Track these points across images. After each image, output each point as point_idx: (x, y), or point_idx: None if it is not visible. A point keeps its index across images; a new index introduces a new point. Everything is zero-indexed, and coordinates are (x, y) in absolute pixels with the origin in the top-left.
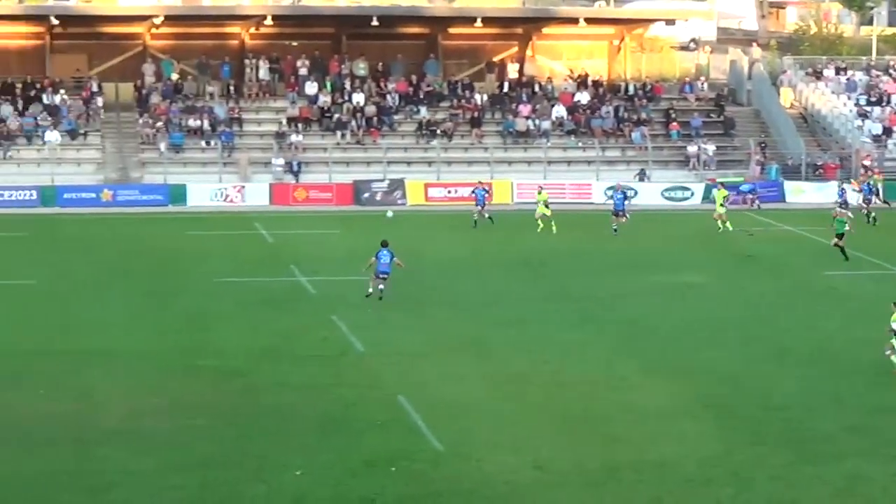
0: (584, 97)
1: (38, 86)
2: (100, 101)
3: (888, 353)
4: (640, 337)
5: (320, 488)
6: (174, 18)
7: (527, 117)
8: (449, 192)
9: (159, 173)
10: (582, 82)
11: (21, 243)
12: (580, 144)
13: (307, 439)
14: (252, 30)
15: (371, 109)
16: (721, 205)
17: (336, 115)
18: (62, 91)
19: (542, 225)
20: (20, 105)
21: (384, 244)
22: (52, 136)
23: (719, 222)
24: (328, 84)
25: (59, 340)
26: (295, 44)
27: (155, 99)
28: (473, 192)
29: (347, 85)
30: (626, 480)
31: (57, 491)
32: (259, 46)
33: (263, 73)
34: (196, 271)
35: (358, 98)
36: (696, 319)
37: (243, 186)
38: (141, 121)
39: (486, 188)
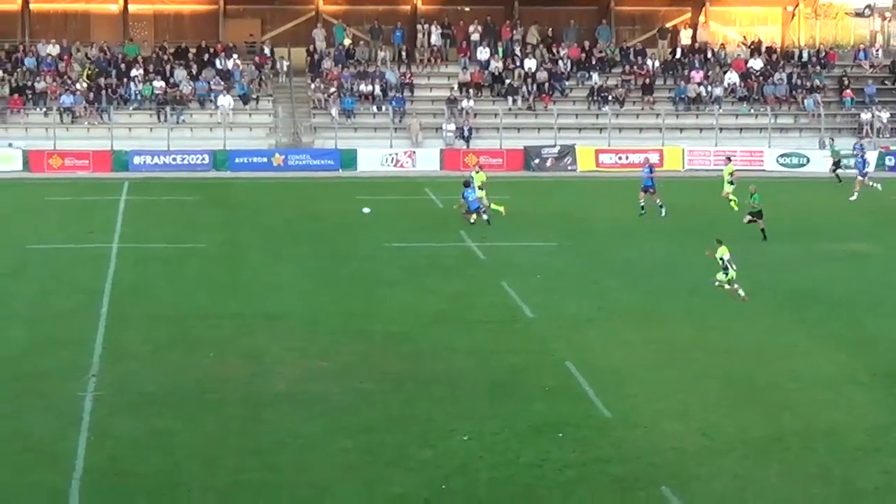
0: (757, 64)
1: (211, 51)
2: (274, 66)
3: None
4: (807, 305)
5: (487, 453)
6: None
7: (699, 84)
8: (620, 158)
9: (330, 138)
10: (755, 49)
11: (193, 207)
12: (752, 111)
13: (475, 404)
14: None
15: (542, 75)
16: (729, 182)
17: (507, 81)
18: (235, 56)
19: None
20: (194, 70)
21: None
22: (225, 100)
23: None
24: (500, 50)
25: (229, 303)
26: (467, 9)
27: (327, 64)
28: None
29: (519, 51)
30: (794, 448)
31: (226, 451)
32: (431, 12)
33: (435, 38)
34: (365, 236)
35: (530, 64)
36: (863, 287)
37: (414, 152)
38: (313, 86)
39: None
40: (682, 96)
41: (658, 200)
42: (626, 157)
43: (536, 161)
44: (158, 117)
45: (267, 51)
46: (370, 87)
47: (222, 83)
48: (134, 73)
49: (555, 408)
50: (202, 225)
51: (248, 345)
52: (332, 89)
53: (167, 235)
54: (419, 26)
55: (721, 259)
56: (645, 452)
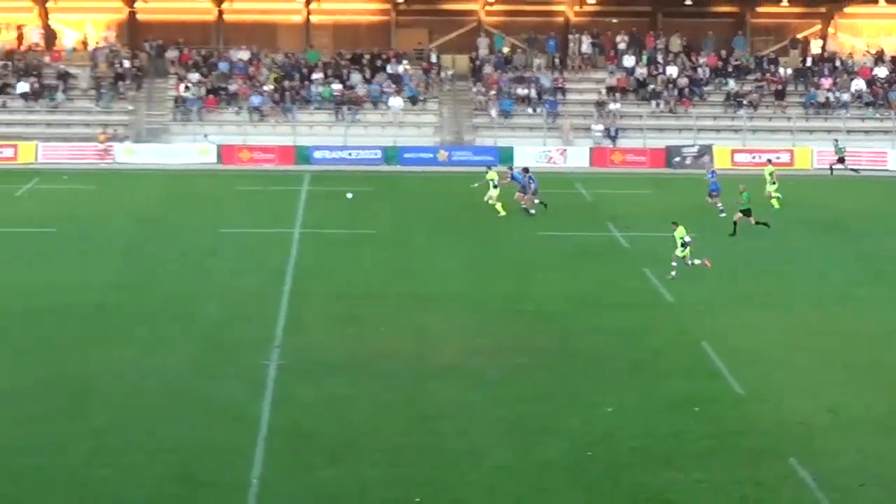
0: (882, 72)
1: (383, 57)
2: (440, 71)
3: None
4: None
5: (629, 424)
6: None
7: (828, 90)
8: (753, 157)
9: (490, 136)
10: (880, 58)
11: (366, 197)
12: (877, 116)
13: (617, 380)
14: (576, 8)
15: (683, 81)
16: (771, 182)
17: (651, 86)
18: (405, 62)
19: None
20: (367, 74)
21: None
22: (396, 101)
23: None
24: (644, 57)
25: (398, 284)
26: (615, 21)
27: (488, 69)
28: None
29: (661, 59)
30: None
31: (395, 417)
32: (582, 23)
33: (586, 47)
34: (521, 225)
35: (671, 70)
36: None
37: (565, 149)
38: (475, 89)
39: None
40: (812, 101)
41: (719, 204)
42: (759, 157)
43: (677, 159)
44: (336, 116)
45: (433, 57)
46: (526, 91)
47: (393, 86)
48: (315, 76)
49: (691, 384)
50: (374, 213)
51: (415, 322)
52: (492, 92)
53: (343, 222)
54: (571, 36)
55: (681, 238)
56: (774, 427)
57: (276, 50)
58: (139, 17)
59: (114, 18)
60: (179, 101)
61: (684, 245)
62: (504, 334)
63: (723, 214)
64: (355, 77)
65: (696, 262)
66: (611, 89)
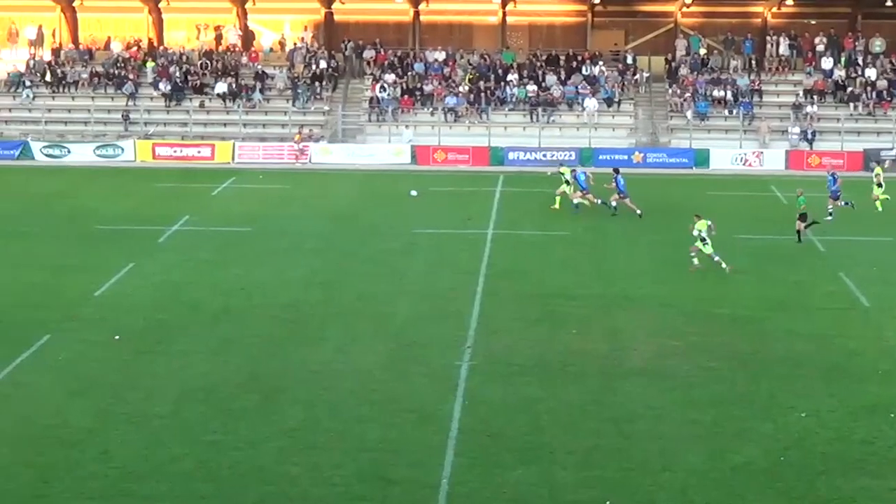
0: None
1: (579, 58)
2: (635, 72)
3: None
4: None
5: (823, 429)
6: None
7: None
8: None
9: (685, 139)
10: None
11: (545, 199)
12: None
13: (813, 384)
14: (774, 9)
15: (882, 83)
16: (878, 185)
17: (849, 89)
18: (600, 63)
19: None
20: (563, 75)
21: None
22: (591, 103)
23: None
24: (843, 59)
25: (591, 285)
26: (813, 22)
27: (683, 71)
28: None
29: (861, 60)
30: None
31: (585, 419)
32: (780, 24)
33: (783, 48)
34: (716, 227)
35: (870, 73)
36: None
37: (762, 152)
38: (670, 91)
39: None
40: None
41: (830, 207)
42: None
43: (875, 163)
44: (531, 117)
45: (629, 59)
46: (722, 93)
47: (588, 87)
48: (510, 77)
49: (888, 390)
50: (567, 214)
51: (607, 323)
52: (688, 94)
53: (536, 223)
54: (768, 38)
55: (699, 231)
56: None
57: (471, 51)
58: (336, 17)
59: (311, 19)
60: (375, 102)
61: (703, 240)
62: (697, 336)
63: (828, 218)
64: (550, 78)
65: (717, 258)
66: (808, 92)
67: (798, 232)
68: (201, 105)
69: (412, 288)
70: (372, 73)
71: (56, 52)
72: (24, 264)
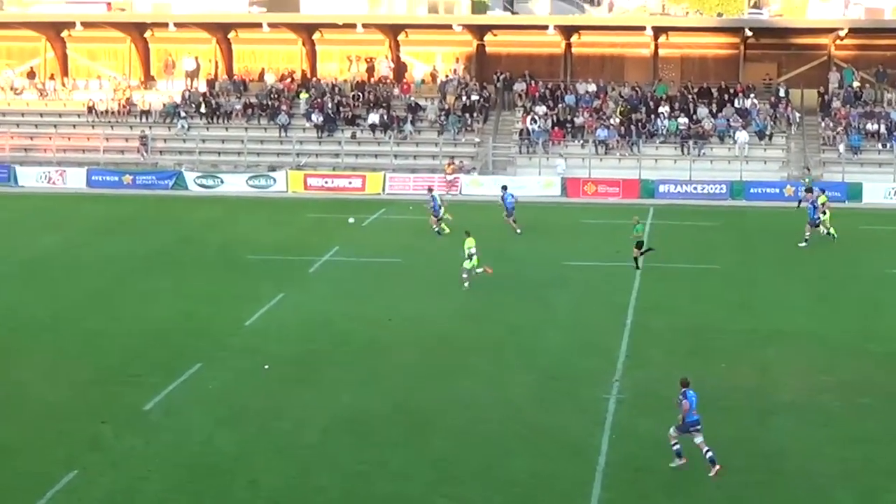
0: None
1: (731, 91)
2: (787, 105)
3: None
4: None
5: None
6: (858, 31)
7: None
8: None
9: (837, 172)
10: None
11: (710, 232)
12: None
13: None
14: None
15: None
16: (822, 212)
17: None
18: (752, 95)
19: None
20: (714, 108)
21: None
22: (742, 136)
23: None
24: None
25: (741, 319)
26: None
27: (836, 104)
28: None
29: None
30: None
31: (736, 454)
32: None
33: None
34: (868, 262)
35: None
36: None
37: None
38: (823, 124)
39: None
40: None
41: (807, 233)
42: None
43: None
44: (682, 150)
45: (782, 91)
46: (875, 126)
47: (740, 120)
48: (661, 109)
49: None
50: (718, 248)
51: (757, 357)
52: (840, 127)
53: (687, 256)
54: None
55: (469, 249)
56: None
57: (623, 83)
58: (488, 49)
59: (463, 51)
60: (525, 134)
61: (470, 257)
62: (850, 372)
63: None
64: (702, 111)
65: (479, 270)
66: None
67: (635, 259)
68: (353, 136)
69: (561, 320)
70: (523, 105)
71: (211, 83)
72: (178, 293)
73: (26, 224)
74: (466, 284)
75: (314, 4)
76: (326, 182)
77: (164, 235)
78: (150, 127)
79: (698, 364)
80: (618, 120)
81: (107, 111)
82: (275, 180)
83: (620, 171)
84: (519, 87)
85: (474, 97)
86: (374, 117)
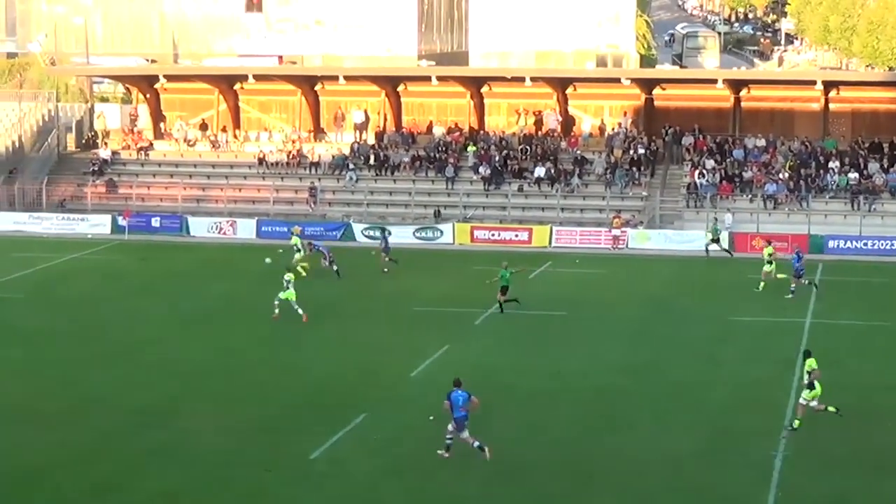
0: None
1: None
2: None
3: None
4: None
5: None
6: None
7: None
8: None
9: None
10: None
11: (881, 288)
12: None
13: None
14: None
15: None
16: (768, 262)
17: None
18: None
19: None
20: (886, 163)
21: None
22: None
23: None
24: None
25: None
26: None
27: None
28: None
29: None
30: None
31: None
32: None
33: None
34: None
35: None
36: None
37: None
38: None
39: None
40: None
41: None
42: None
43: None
44: (852, 205)
45: None
46: None
47: None
48: (831, 164)
49: None
50: (888, 305)
51: None
52: None
53: (856, 312)
54: None
55: (288, 281)
56: None
57: (792, 137)
58: (656, 103)
59: (631, 104)
60: (693, 188)
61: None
62: None
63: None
64: (873, 166)
65: (300, 311)
66: None
67: (500, 304)
68: (520, 189)
69: (727, 376)
70: (691, 159)
71: (380, 135)
72: (344, 343)
73: (197, 274)
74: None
75: (483, 58)
76: (493, 235)
77: (331, 286)
78: (320, 178)
79: (865, 422)
80: (787, 174)
81: (277, 163)
82: (442, 232)
83: (789, 225)
84: (687, 140)
85: (641, 151)
86: (540, 170)
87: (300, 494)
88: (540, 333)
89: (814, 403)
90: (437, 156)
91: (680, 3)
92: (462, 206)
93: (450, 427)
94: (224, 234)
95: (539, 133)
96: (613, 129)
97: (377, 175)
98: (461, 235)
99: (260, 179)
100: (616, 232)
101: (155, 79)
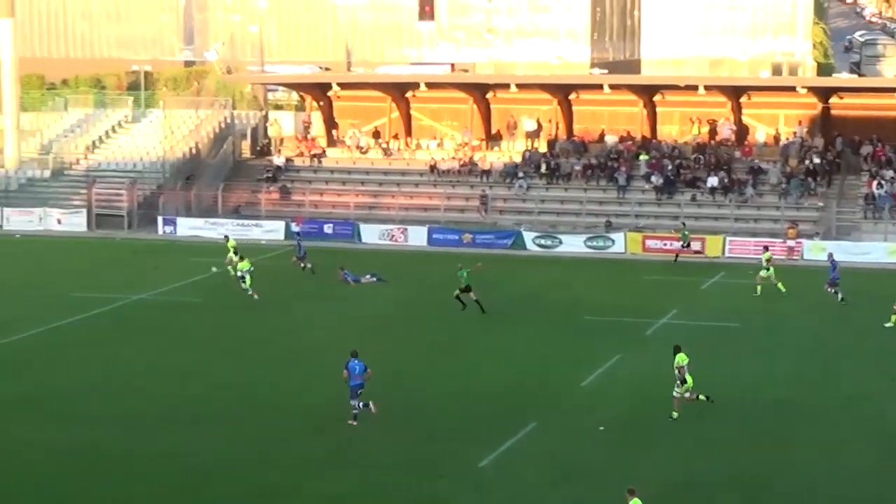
0: None
1: None
2: None
3: None
4: None
5: None
6: None
7: None
8: None
9: None
10: None
11: None
12: None
13: None
14: None
15: None
16: (766, 268)
17: None
18: None
19: None
20: None
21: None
22: None
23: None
24: None
25: None
26: None
27: None
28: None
29: None
30: None
31: None
32: None
33: None
34: None
35: None
36: None
37: None
38: None
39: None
40: None
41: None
42: None
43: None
44: None
45: None
46: None
47: None
48: None
49: None
50: None
51: None
52: None
53: None
54: None
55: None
56: None
57: None
58: (833, 112)
59: (806, 114)
60: (870, 199)
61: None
62: None
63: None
64: None
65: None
66: None
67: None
68: (693, 199)
69: None
70: (868, 170)
71: (551, 143)
72: (515, 352)
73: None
74: None
75: (655, 66)
76: (665, 244)
77: (503, 295)
78: (491, 186)
79: None
80: None
81: (448, 170)
82: (613, 241)
83: None
84: (865, 150)
85: (817, 160)
86: (713, 180)
87: (470, 501)
88: (712, 345)
89: (686, 395)
90: (609, 164)
91: (858, 10)
92: (633, 216)
93: (350, 397)
94: (395, 241)
95: (712, 142)
96: (788, 138)
97: (548, 184)
98: (633, 245)
99: (431, 187)
100: (791, 243)
101: (328, 86)
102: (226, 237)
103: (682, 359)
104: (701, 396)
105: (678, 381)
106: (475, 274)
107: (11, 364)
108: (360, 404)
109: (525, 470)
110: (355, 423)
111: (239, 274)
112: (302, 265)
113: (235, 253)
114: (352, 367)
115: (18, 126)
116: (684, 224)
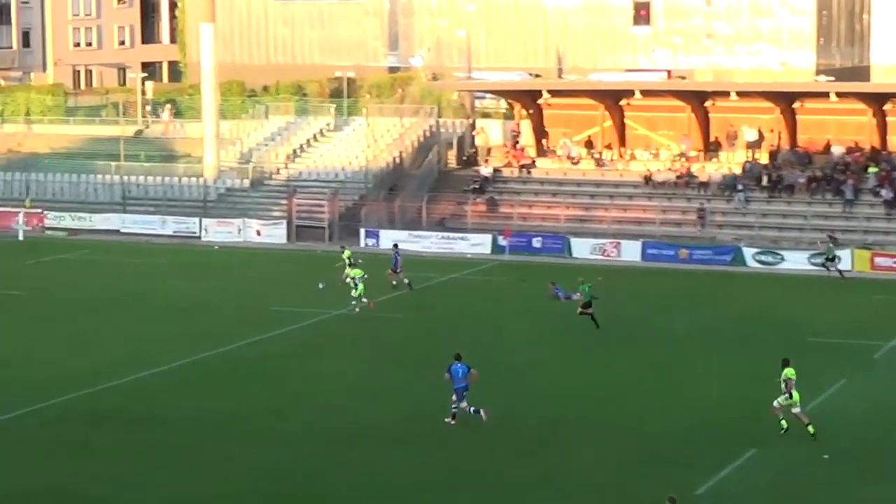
0: None
1: None
2: None
3: None
4: None
5: None
6: None
7: None
8: None
9: None
10: None
11: None
12: None
13: None
14: None
15: None
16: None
17: None
18: None
19: None
20: None
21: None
22: None
23: None
24: None
25: None
26: None
27: None
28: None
29: None
30: None
31: None
32: None
33: None
34: None
35: None
36: None
37: None
38: None
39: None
40: None
41: None
42: None
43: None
44: None
45: None
46: None
47: None
48: None
49: None
50: None
51: None
52: None
53: None
54: None
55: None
56: None
57: None
58: None
59: None
60: None
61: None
62: None
63: None
64: None
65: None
66: None
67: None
68: None
69: None
70: None
71: (773, 154)
72: (734, 373)
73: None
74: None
75: (886, 73)
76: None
77: (722, 314)
78: (709, 199)
79: None
80: None
81: (664, 182)
82: (839, 258)
83: None
84: None
85: None
86: None
87: None
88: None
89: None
90: (835, 177)
91: None
92: (862, 231)
93: (453, 398)
94: (608, 256)
95: None
96: None
97: (770, 197)
98: (860, 262)
99: (646, 199)
100: None
101: (538, 94)
102: (342, 247)
103: (790, 372)
104: (810, 428)
105: (785, 395)
106: (597, 288)
107: (215, 377)
108: (471, 409)
109: (743, 499)
110: (453, 423)
111: (351, 281)
112: (395, 281)
113: (350, 264)
114: (454, 370)
115: (218, 134)
116: (832, 238)
